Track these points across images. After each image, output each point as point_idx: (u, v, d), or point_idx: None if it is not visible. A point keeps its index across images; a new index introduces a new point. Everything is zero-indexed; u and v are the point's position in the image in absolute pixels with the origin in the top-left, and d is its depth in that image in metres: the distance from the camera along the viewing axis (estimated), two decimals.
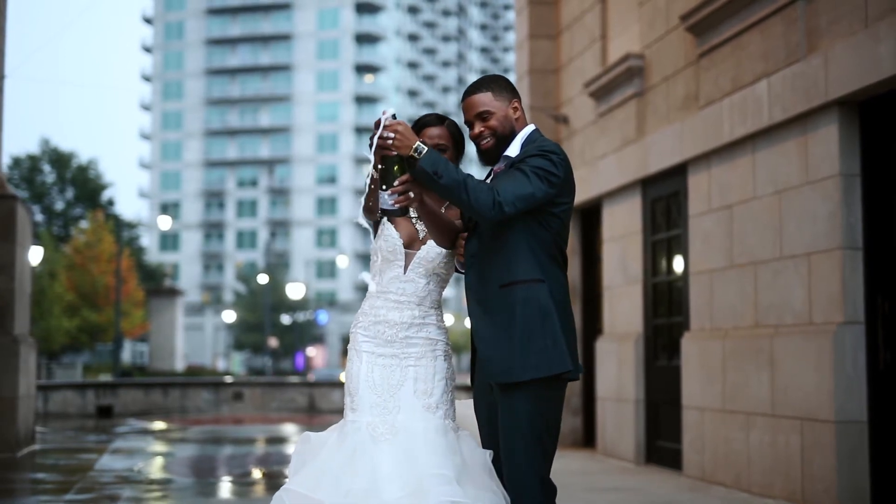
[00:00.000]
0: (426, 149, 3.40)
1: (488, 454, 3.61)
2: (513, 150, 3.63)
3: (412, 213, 3.73)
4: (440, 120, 3.81)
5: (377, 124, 3.43)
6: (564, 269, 3.61)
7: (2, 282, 10.57)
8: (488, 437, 3.66)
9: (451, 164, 3.42)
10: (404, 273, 3.72)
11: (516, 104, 3.66)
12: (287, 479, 3.67)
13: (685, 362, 8.54)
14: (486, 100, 3.63)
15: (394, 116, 3.44)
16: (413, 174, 3.43)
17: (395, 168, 3.44)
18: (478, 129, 3.64)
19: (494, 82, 3.68)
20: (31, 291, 11.81)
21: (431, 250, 3.71)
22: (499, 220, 3.42)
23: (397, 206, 3.48)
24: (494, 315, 3.51)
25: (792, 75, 6.97)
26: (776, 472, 7.07)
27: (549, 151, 3.50)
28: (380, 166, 3.49)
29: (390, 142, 3.40)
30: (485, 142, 3.64)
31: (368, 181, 3.67)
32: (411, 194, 3.48)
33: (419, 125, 3.79)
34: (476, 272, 3.59)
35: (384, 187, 3.47)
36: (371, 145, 3.47)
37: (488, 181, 3.69)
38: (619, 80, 10.00)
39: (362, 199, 3.75)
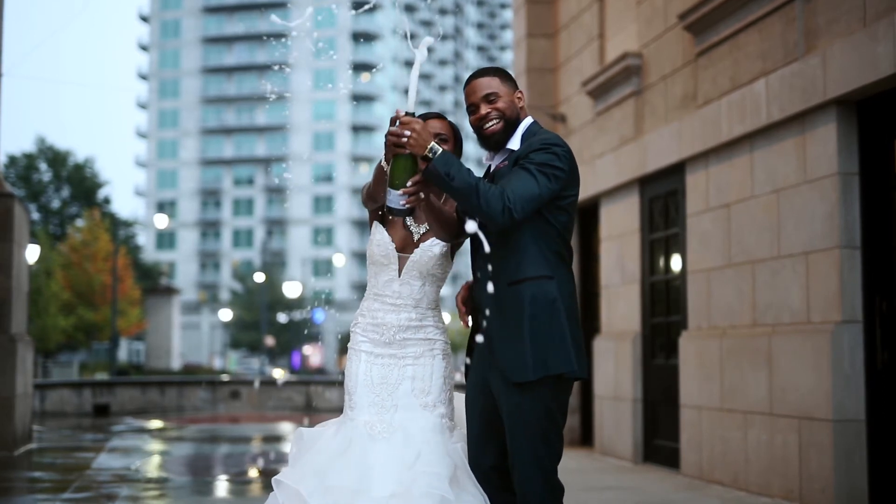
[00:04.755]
0: (440, 150, 3.34)
1: (464, 453, 3.61)
2: (514, 143, 3.60)
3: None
4: (441, 116, 3.79)
5: (393, 121, 3.34)
6: (570, 265, 3.59)
7: None
8: (476, 436, 3.64)
9: (464, 167, 3.36)
10: (399, 276, 3.71)
11: (520, 95, 3.65)
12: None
13: (683, 361, 8.54)
14: (493, 83, 3.60)
15: (414, 114, 3.33)
16: (424, 174, 3.36)
17: (408, 167, 3.36)
18: (484, 110, 3.59)
19: (500, 71, 3.66)
20: (27, 290, 11.79)
21: (425, 254, 3.69)
22: (508, 226, 3.38)
23: (407, 206, 3.40)
24: (505, 313, 3.48)
25: (790, 74, 6.97)
26: (774, 471, 7.07)
27: (552, 144, 3.47)
28: (389, 164, 3.39)
29: (405, 139, 3.32)
30: (491, 124, 3.58)
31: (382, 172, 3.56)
32: (422, 195, 3.43)
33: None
34: (484, 270, 3.55)
35: (394, 186, 3.38)
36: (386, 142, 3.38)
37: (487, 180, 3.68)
38: (617, 79, 10.00)
39: (367, 188, 3.70)
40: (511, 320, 3.46)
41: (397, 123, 3.36)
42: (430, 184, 3.43)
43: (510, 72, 4.02)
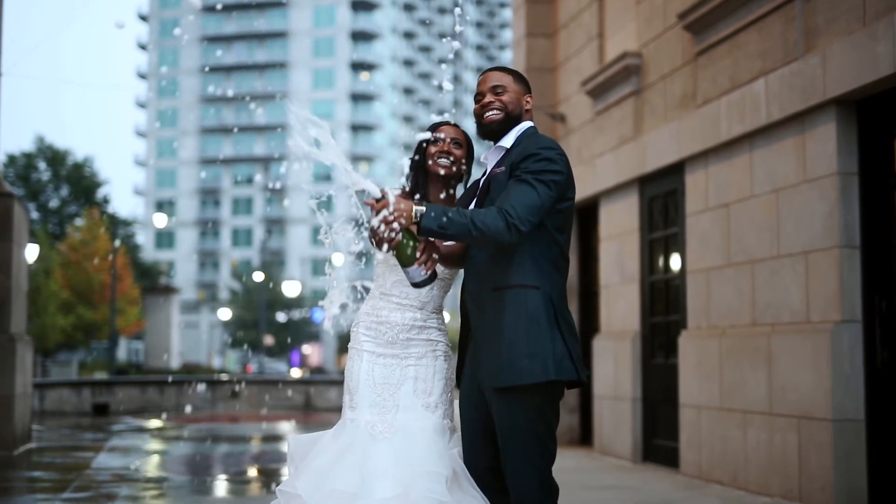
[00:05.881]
0: (423, 208, 3.31)
1: (460, 457, 3.61)
2: (507, 140, 3.61)
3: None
4: (453, 124, 3.84)
5: (374, 209, 3.34)
6: (564, 274, 3.56)
7: None
8: (470, 438, 3.63)
9: (452, 210, 3.32)
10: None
11: (529, 99, 3.68)
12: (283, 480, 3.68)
13: (682, 361, 8.54)
14: (505, 79, 3.65)
15: (383, 196, 3.33)
16: (420, 234, 3.36)
17: (408, 244, 3.39)
18: (488, 98, 3.62)
19: (516, 72, 3.72)
20: (27, 289, 11.79)
21: None
22: (517, 241, 3.36)
23: (428, 273, 3.46)
24: (487, 317, 3.49)
25: (790, 74, 6.97)
26: (773, 470, 7.07)
27: (546, 148, 3.47)
28: (385, 251, 3.44)
29: (393, 220, 3.30)
30: (492, 113, 3.62)
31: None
32: (434, 255, 3.45)
33: (433, 127, 3.81)
34: (474, 273, 3.57)
35: (407, 266, 3.44)
36: (371, 233, 3.41)
37: (482, 181, 3.68)
38: (617, 79, 10.00)
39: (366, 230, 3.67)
40: (490, 325, 3.46)
41: (383, 221, 3.34)
42: (432, 241, 3.44)
43: None
